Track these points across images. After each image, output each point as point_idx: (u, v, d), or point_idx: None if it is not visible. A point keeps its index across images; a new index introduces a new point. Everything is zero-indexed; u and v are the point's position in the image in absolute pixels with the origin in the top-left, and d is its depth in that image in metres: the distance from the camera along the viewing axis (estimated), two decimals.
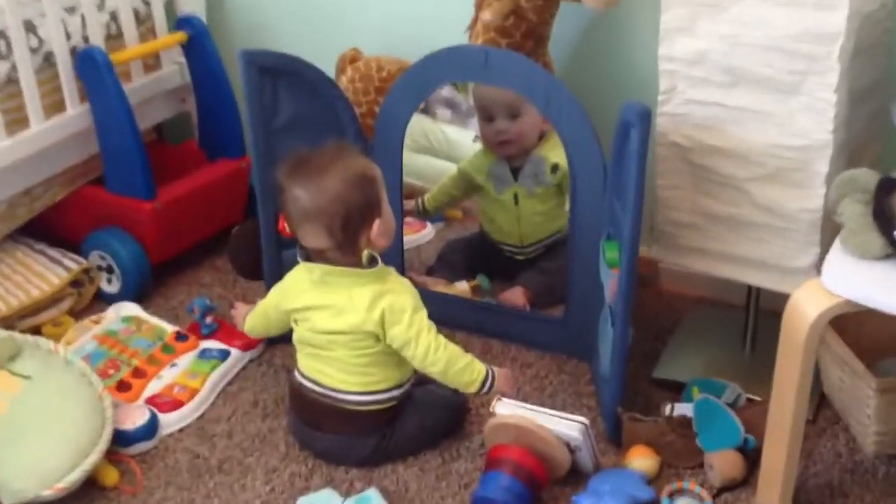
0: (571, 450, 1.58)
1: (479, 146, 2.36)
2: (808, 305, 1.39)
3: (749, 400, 1.75)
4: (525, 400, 1.69)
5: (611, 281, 1.66)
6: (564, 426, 1.58)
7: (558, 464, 1.58)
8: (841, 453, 1.68)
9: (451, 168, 2.38)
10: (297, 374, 1.69)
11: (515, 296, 2.08)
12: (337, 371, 1.63)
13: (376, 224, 1.58)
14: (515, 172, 2.07)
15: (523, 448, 1.55)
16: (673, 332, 1.99)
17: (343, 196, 1.55)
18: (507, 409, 1.61)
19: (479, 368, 1.62)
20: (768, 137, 1.58)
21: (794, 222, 1.61)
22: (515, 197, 2.08)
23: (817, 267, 1.63)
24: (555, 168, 2.02)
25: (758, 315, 1.88)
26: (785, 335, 1.44)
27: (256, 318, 1.79)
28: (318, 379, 1.65)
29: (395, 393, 1.65)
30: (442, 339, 1.60)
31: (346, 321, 1.59)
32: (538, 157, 2.04)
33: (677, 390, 1.81)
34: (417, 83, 1.90)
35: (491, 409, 1.62)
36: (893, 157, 1.73)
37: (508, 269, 2.17)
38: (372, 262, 1.62)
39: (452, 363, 1.59)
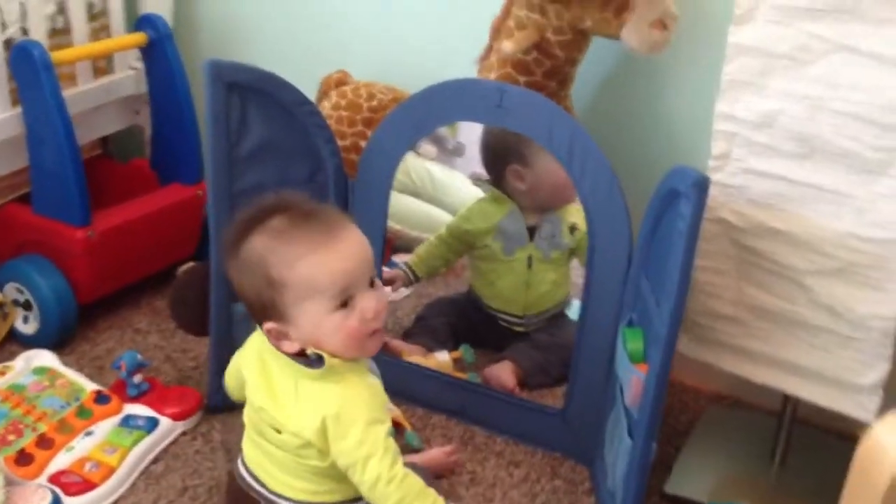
0: None
1: (476, 195, 2.08)
2: (894, 444, 1.10)
3: None
4: None
5: (633, 379, 1.36)
6: None
7: None
8: None
9: (437, 213, 2.10)
10: (240, 463, 1.35)
11: (504, 373, 1.78)
12: (280, 471, 1.29)
13: (271, 325, 1.23)
14: (531, 232, 1.78)
15: None
16: (688, 435, 1.70)
17: (238, 280, 1.26)
18: None
19: None
20: (841, 225, 1.30)
21: (862, 330, 1.33)
22: (529, 260, 1.79)
23: (883, 385, 1.35)
24: (573, 229, 1.74)
25: (793, 425, 1.59)
26: (859, 476, 1.15)
27: (229, 375, 1.43)
28: (260, 477, 1.31)
29: None
30: (399, 469, 1.22)
31: (286, 419, 1.24)
32: (555, 217, 1.76)
33: None
34: (415, 118, 1.60)
35: None
36: None
37: (498, 340, 1.87)
38: (318, 359, 1.22)
39: (406, 502, 1.22)
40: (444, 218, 2.10)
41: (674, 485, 1.57)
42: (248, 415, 1.33)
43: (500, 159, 1.79)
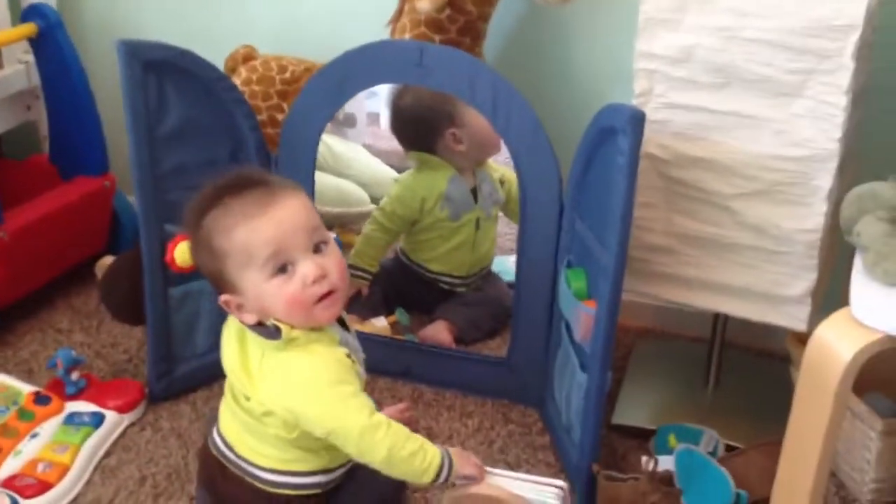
0: None
1: (374, 165, 2.09)
2: (840, 343, 1.18)
3: (727, 447, 1.54)
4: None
5: (582, 316, 1.41)
6: (539, 493, 1.30)
7: None
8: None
9: (346, 186, 2.10)
10: (215, 429, 1.33)
11: (440, 332, 1.81)
12: (250, 437, 1.27)
13: (227, 297, 1.23)
14: (473, 194, 1.81)
15: None
16: (624, 370, 1.76)
17: (195, 258, 1.27)
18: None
19: (432, 453, 1.24)
20: (762, 147, 1.38)
21: (788, 244, 1.41)
22: (477, 222, 1.81)
23: (812, 295, 1.44)
24: (501, 182, 1.77)
25: (723, 348, 1.68)
26: (809, 378, 1.23)
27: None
28: (230, 441, 1.30)
29: (320, 479, 1.29)
30: (381, 416, 1.22)
31: (252, 389, 1.23)
32: (483, 173, 1.79)
33: (642, 437, 1.59)
34: (335, 85, 1.60)
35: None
36: (869, 172, 1.56)
37: (428, 301, 1.89)
38: (276, 330, 1.21)
39: (398, 448, 1.21)
40: (354, 190, 2.11)
41: (620, 415, 1.64)
42: (228, 380, 1.31)
43: (433, 127, 1.79)
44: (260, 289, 1.20)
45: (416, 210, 1.84)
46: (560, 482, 1.33)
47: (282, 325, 1.20)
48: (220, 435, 1.31)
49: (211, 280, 1.25)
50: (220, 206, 1.22)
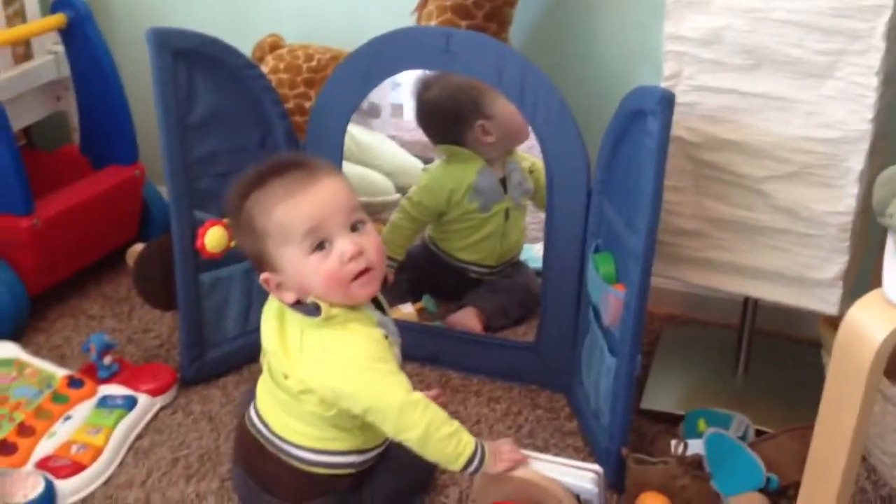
0: None
1: (401, 155, 2.09)
2: (873, 324, 1.17)
3: (757, 432, 1.53)
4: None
5: (611, 300, 1.41)
6: (575, 477, 1.31)
7: None
8: (865, 489, 1.48)
9: (373, 176, 2.10)
10: (252, 408, 1.35)
11: (468, 318, 1.81)
12: (286, 415, 1.29)
13: (267, 276, 1.26)
14: (503, 184, 1.82)
15: None
16: (652, 355, 1.76)
17: (238, 241, 1.31)
18: None
19: (466, 440, 1.25)
20: (793, 129, 1.37)
21: (819, 227, 1.40)
22: (507, 212, 1.82)
23: (843, 278, 1.43)
24: (530, 171, 1.78)
25: (752, 334, 1.67)
26: (841, 359, 1.22)
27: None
28: (267, 420, 1.31)
29: (354, 459, 1.31)
30: (419, 394, 1.24)
31: (291, 367, 1.25)
32: (513, 163, 1.79)
33: (671, 422, 1.59)
34: (362, 73, 1.60)
35: None
36: None
37: (456, 288, 1.90)
38: (316, 308, 1.23)
39: (434, 427, 1.22)
40: (379, 179, 2.11)
41: (649, 400, 1.63)
42: (266, 359, 1.33)
43: (461, 120, 1.79)
44: (299, 266, 1.23)
45: (444, 202, 1.85)
46: (596, 466, 1.34)
47: (321, 303, 1.22)
48: (257, 413, 1.33)
49: (253, 261, 1.28)
50: (262, 187, 1.25)
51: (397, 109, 2.31)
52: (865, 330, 1.17)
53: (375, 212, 2.02)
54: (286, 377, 1.26)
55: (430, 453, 1.25)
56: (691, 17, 1.37)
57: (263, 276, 1.25)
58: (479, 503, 1.34)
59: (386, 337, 1.27)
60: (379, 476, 1.35)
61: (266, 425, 1.31)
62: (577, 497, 1.31)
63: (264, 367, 1.32)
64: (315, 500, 1.31)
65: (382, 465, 1.35)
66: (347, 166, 2.01)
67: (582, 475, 1.30)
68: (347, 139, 2.07)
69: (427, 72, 1.80)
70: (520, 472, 1.29)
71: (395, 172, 2.09)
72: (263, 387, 1.33)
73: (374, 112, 2.18)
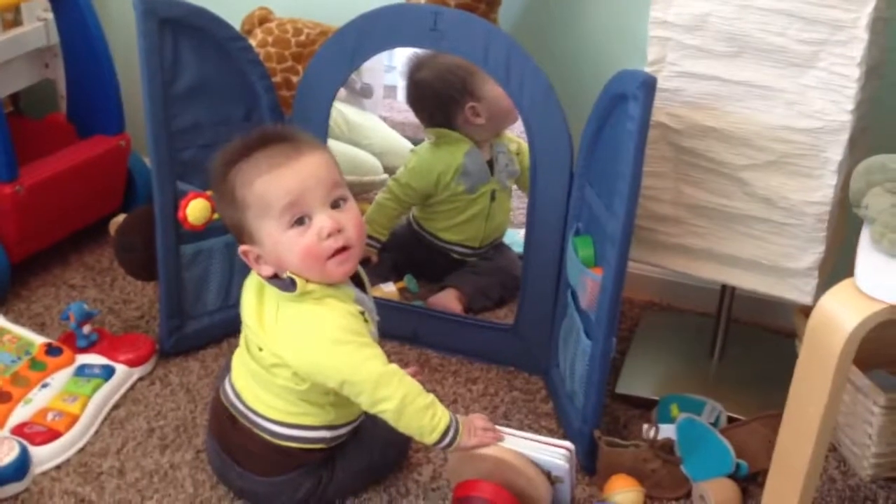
0: (552, 481, 1.33)
1: (390, 135, 2.09)
2: (843, 313, 1.18)
3: (730, 419, 1.54)
4: None
5: (588, 283, 1.42)
6: (547, 453, 1.32)
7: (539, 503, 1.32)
8: (834, 478, 1.50)
9: (362, 155, 2.10)
10: (226, 381, 1.36)
11: (449, 300, 1.82)
12: (260, 388, 1.30)
13: (245, 248, 1.26)
14: (490, 166, 1.82)
15: (498, 486, 1.28)
16: (629, 341, 1.77)
17: (219, 209, 1.31)
18: None
19: (441, 414, 1.26)
20: (773, 118, 1.38)
21: (797, 216, 1.41)
22: (493, 194, 1.82)
23: (819, 268, 1.44)
24: (517, 153, 1.78)
25: (729, 322, 1.68)
26: (811, 347, 1.23)
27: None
28: (240, 392, 1.32)
29: (325, 434, 1.32)
30: (394, 366, 1.25)
31: (267, 340, 1.26)
32: (501, 145, 1.80)
33: (645, 407, 1.60)
34: (349, 49, 1.60)
35: None
36: (881, 146, 1.56)
37: (438, 269, 1.90)
38: (291, 283, 1.23)
39: (410, 398, 1.24)
40: (367, 159, 2.11)
41: (623, 385, 1.65)
42: (244, 330, 1.34)
43: (452, 102, 1.79)
44: (276, 239, 1.23)
45: (432, 185, 1.85)
46: (568, 443, 1.36)
47: (297, 278, 1.22)
48: (231, 386, 1.34)
49: (233, 232, 1.29)
50: (246, 158, 1.25)
51: (390, 91, 2.31)
52: (836, 318, 1.19)
53: (363, 191, 2.02)
54: (260, 349, 1.26)
55: (405, 425, 1.26)
56: (677, 2, 1.38)
57: (242, 248, 1.26)
58: (453, 481, 1.36)
59: (362, 313, 1.28)
60: (351, 452, 1.36)
61: (239, 397, 1.32)
62: (549, 474, 1.32)
63: (241, 340, 1.33)
64: (287, 474, 1.32)
65: (354, 442, 1.36)
66: (337, 145, 2.02)
67: (553, 451, 1.32)
68: (338, 118, 2.08)
69: (419, 52, 1.80)
70: (493, 451, 1.30)
71: (384, 153, 2.10)
72: (239, 360, 1.34)
73: (367, 93, 2.18)
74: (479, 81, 1.74)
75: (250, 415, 1.31)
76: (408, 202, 1.89)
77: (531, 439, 1.33)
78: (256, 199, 1.23)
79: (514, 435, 1.33)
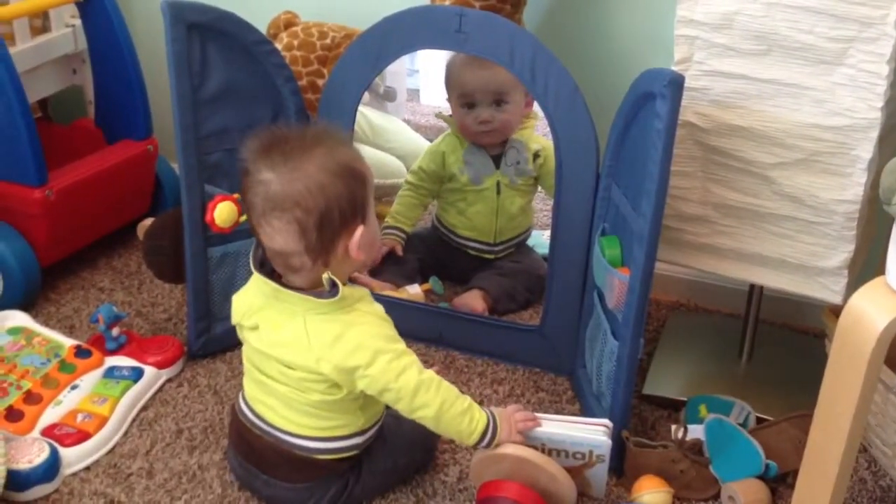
0: (592, 462, 1.34)
1: (414, 139, 2.10)
2: (874, 312, 1.17)
3: (758, 419, 1.53)
4: None
5: (615, 283, 1.41)
6: (588, 431, 1.34)
7: (564, 502, 1.32)
8: (865, 479, 1.48)
9: (388, 159, 2.12)
10: (241, 400, 1.37)
11: (473, 301, 1.82)
12: (285, 408, 1.30)
13: (359, 231, 1.23)
14: (496, 160, 1.82)
15: (522, 485, 1.28)
16: (656, 342, 1.76)
17: (324, 186, 1.20)
18: None
19: (478, 417, 1.29)
20: (802, 116, 1.37)
21: (826, 215, 1.40)
22: (498, 186, 1.82)
23: (849, 267, 1.43)
24: (536, 156, 1.78)
25: (757, 323, 1.67)
26: (841, 346, 1.22)
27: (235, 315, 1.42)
28: (262, 414, 1.32)
29: (357, 441, 1.32)
30: (431, 373, 1.27)
31: (298, 357, 1.25)
32: (519, 143, 1.79)
33: (672, 408, 1.59)
34: (374, 51, 1.61)
35: None
36: None
37: (464, 271, 1.91)
38: (333, 287, 1.24)
39: (448, 405, 1.26)
40: (391, 161, 2.12)
41: (651, 386, 1.64)
42: (247, 355, 1.34)
43: None
44: (374, 223, 1.29)
45: (440, 164, 1.87)
46: (605, 420, 1.38)
47: (339, 284, 1.23)
48: (248, 408, 1.35)
49: (334, 215, 1.25)
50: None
51: (413, 94, 2.32)
52: (867, 317, 1.17)
53: (387, 194, 2.03)
54: (291, 368, 1.26)
55: (444, 430, 1.29)
56: (704, 0, 1.37)
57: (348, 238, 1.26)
58: (475, 482, 1.36)
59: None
60: (376, 453, 1.36)
61: (261, 418, 1.32)
62: (590, 453, 1.34)
63: (247, 363, 1.33)
64: (314, 481, 1.33)
65: (380, 443, 1.37)
66: (361, 148, 2.01)
67: (594, 429, 1.35)
68: (362, 121, 2.09)
69: None
70: (512, 450, 1.30)
71: (407, 156, 2.11)
72: (255, 386, 1.33)
73: (390, 96, 2.19)
74: None
75: (278, 434, 1.31)
76: (423, 187, 1.91)
77: (570, 420, 1.37)
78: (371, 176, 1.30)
79: (552, 419, 1.35)
